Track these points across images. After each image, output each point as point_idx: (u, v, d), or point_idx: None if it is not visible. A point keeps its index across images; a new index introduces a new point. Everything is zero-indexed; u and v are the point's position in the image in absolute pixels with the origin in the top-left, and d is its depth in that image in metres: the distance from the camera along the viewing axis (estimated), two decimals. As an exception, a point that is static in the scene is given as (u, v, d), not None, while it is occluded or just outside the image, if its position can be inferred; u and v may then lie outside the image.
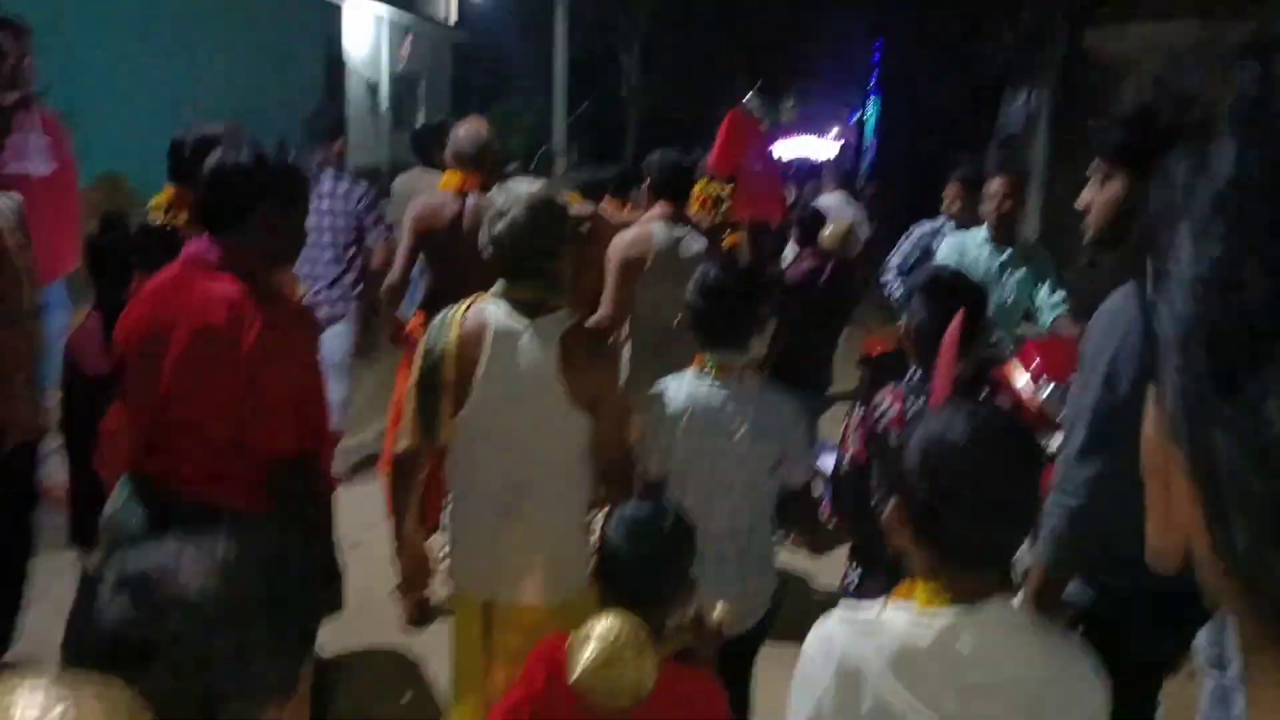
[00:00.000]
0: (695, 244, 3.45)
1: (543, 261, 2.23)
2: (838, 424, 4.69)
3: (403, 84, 18.03)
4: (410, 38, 17.62)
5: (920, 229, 4.88)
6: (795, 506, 2.40)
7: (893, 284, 4.79)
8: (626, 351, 3.57)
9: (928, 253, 4.64)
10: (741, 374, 2.31)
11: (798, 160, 47.04)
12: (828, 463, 2.91)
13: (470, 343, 2.18)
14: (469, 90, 19.34)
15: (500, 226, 2.20)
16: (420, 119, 19.01)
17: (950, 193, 4.77)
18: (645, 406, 2.34)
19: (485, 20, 19.84)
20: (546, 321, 2.19)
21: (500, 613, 2.25)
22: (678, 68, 23.09)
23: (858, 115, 36.70)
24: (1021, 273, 4.21)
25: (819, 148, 53.37)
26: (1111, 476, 1.76)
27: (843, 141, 55.39)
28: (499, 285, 2.24)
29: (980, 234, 4.26)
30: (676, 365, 2.40)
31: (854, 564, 2.38)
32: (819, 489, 2.67)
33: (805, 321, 4.45)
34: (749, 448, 2.24)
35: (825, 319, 4.71)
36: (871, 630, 1.25)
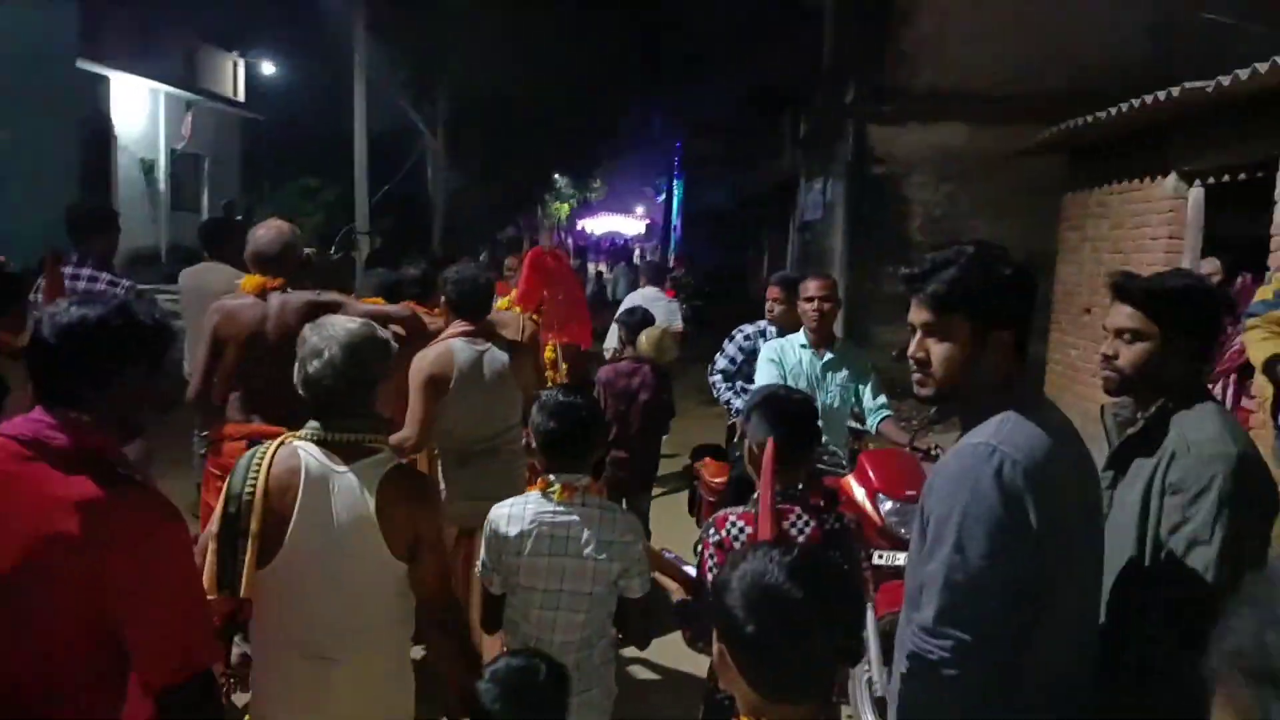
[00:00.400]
0: (498, 359, 3.53)
1: (361, 401, 2.15)
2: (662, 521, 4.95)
3: (184, 163, 16.76)
4: (190, 115, 16.44)
5: (742, 332, 4.86)
6: (633, 617, 2.47)
7: (720, 388, 4.80)
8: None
9: (752, 355, 4.63)
10: (584, 494, 2.38)
11: (609, 236, 47.93)
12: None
13: (281, 489, 2.06)
14: (260, 169, 18.28)
15: (315, 366, 2.10)
16: (205, 199, 17.75)
17: (771, 295, 4.76)
18: (485, 529, 2.40)
19: (277, 97, 18.90)
20: (365, 466, 2.10)
21: None
22: (485, 149, 22.92)
23: (663, 195, 38.01)
24: (843, 375, 4.26)
25: (626, 225, 54.96)
26: (970, 648, 1.64)
27: (649, 221, 57.20)
28: (312, 426, 2.13)
29: (799, 338, 4.27)
30: (485, 480, 2.56)
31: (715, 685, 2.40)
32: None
33: (627, 428, 4.63)
34: (594, 565, 2.33)
35: (647, 424, 4.77)
36: None
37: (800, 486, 2.39)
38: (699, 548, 2.50)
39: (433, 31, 18.55)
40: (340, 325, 2.15)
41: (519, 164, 26.31)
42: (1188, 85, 5.35)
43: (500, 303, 4.55)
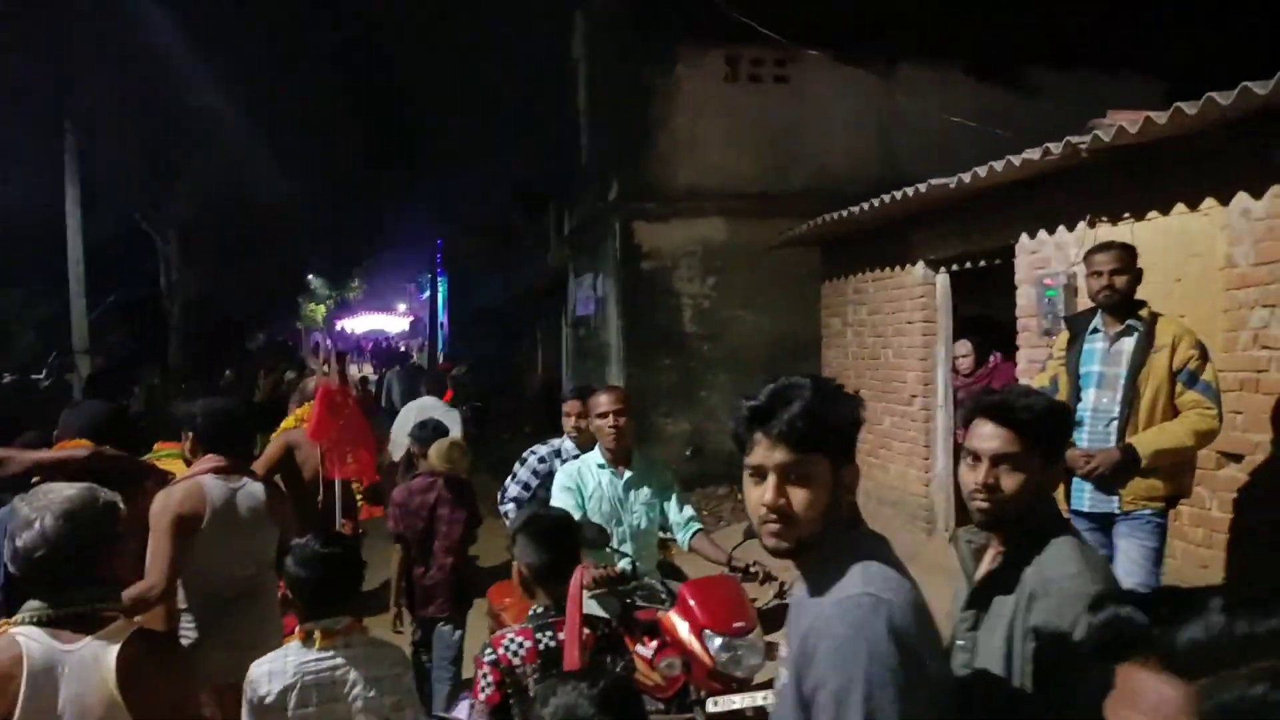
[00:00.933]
0: (254, 495, 3.30)
1: (87, 572, 1.95)
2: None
3: None
4: None
5: (535, 454, 4.52)
6: None
7: (513, 515, 4.28)
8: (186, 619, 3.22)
9: (548, 479, 4.26)
10: (347, 635, 2.41)
11: (371, 335, 45.98)
12: (463, 710, 2.81)
13: None
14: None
15: (28, 538, 1.92)
16: None
17: (569, 410, 4.49)
18: (245, 693, 2.37)
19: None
20: (98, 643, 1.89)
21: None
22: (227, 251, 21.31)
23: (426, 293, 37.15)
24: (646, 493, 3.99)
25: (389, 323, 53.16)
26: None
27: (413, 318, 55.73)
28: (31, 607, 1.91)
29: (594, 458, 3.97)
30: (244, 626, 2.72)
31: None
32: None
33: (429, 545, 4.51)
34: (363, 705, 2.37)
35: (450, 540, 4.56)
36: None
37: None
38: (475, 669, 2.40)
39: (164, 129, 17.17)
40: (53, 493, 1.98)
41: (267, 266, 24.77)
42: (933, 182, 5.70)
43: (289, 420, 4.40)
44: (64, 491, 1.98)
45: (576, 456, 4.38)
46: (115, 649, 1.87)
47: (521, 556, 2.45)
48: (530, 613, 2.42)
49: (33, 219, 16.56)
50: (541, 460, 4.48)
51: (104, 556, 1.98)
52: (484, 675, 2.31)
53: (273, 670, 2.32)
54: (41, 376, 12.91)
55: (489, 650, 2.34)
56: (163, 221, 18.75)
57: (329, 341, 42.44)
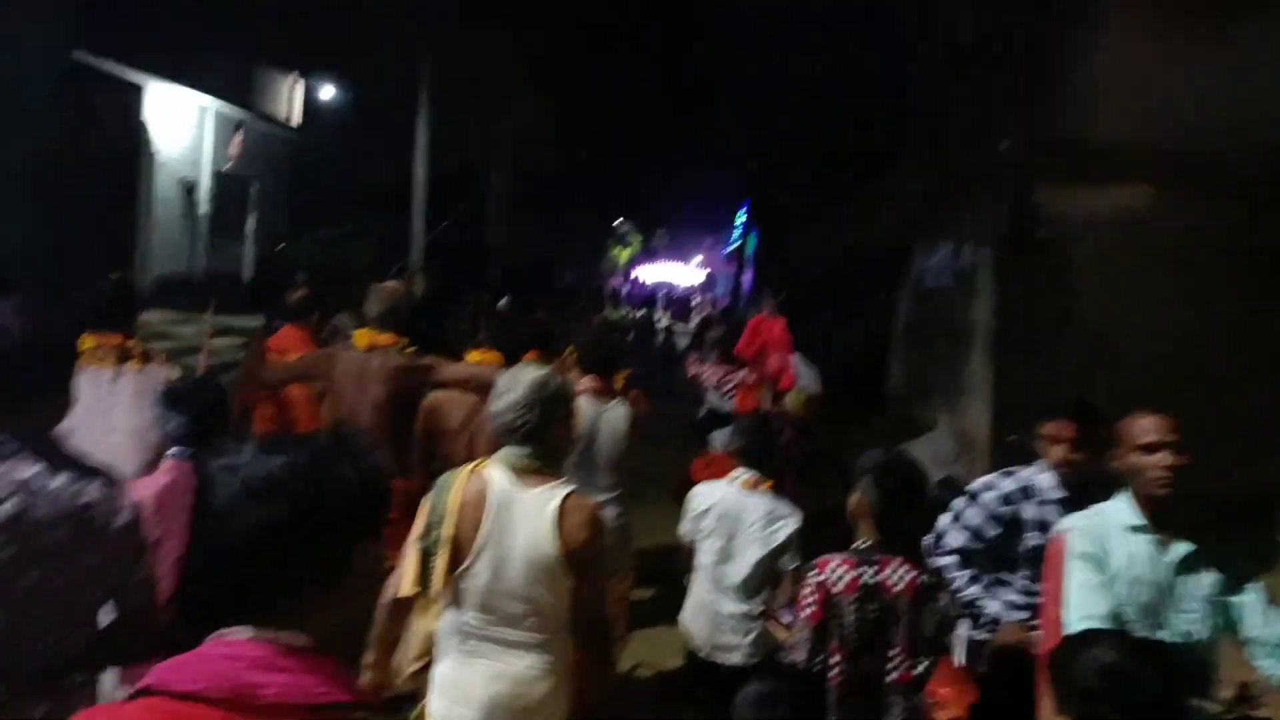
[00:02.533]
0: (619, 415, 3.86)
1: (542, 434, 2.46)
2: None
3: (228, 185, 15.44)
4: (241, 134, 15.15)
5: (993, 490, 3.20)
6: None
7: (957, 578, 3.16)
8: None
9: (1014, 527, 3.14)
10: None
11: (663, 285, 46.26)
12: (786, 616, 3.11)
13: (471, 505, 2.39)
14: (310, 198, 16.94)
15: (503, 403, 2.47)
16: (250, 226, 16.44)
17: (1055, 432, 3.20)
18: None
19: (334, 124, 17.62)
20: (544, 490, 2.41)
21: None
22: (546, 191, 21.56)
23: (733, 246, 36.32)
24: (1208, 581, 2.50)
25: (683, 274, 53.35)
26: None
27: (708, 270, 55.59)
28: (502, 452, 2.47)
29: (1122, 513, 2.55)
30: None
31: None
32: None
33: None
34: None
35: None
36: None
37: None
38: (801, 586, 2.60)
39: (503, 67, 17.33)
40: (528, 373, 2.54)
41: (584, 206, 24.97)
42: None
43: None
44: (532, 373, 2.52)
45: (1063, 501, 3.06)
46: (557, 500, 2.38)
47: (866, 491, 2.58)
48: (854, 545, 2.57)
49: (380, 146, 17.48)
50: (1006, 501, 3.11)
51: (558, 427, 2.50)
52: (809, 594, 2.50)
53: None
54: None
55: (815, 571, 2.53)
56: (495, 154, 19.17)
57: (626, 287, 43.18)
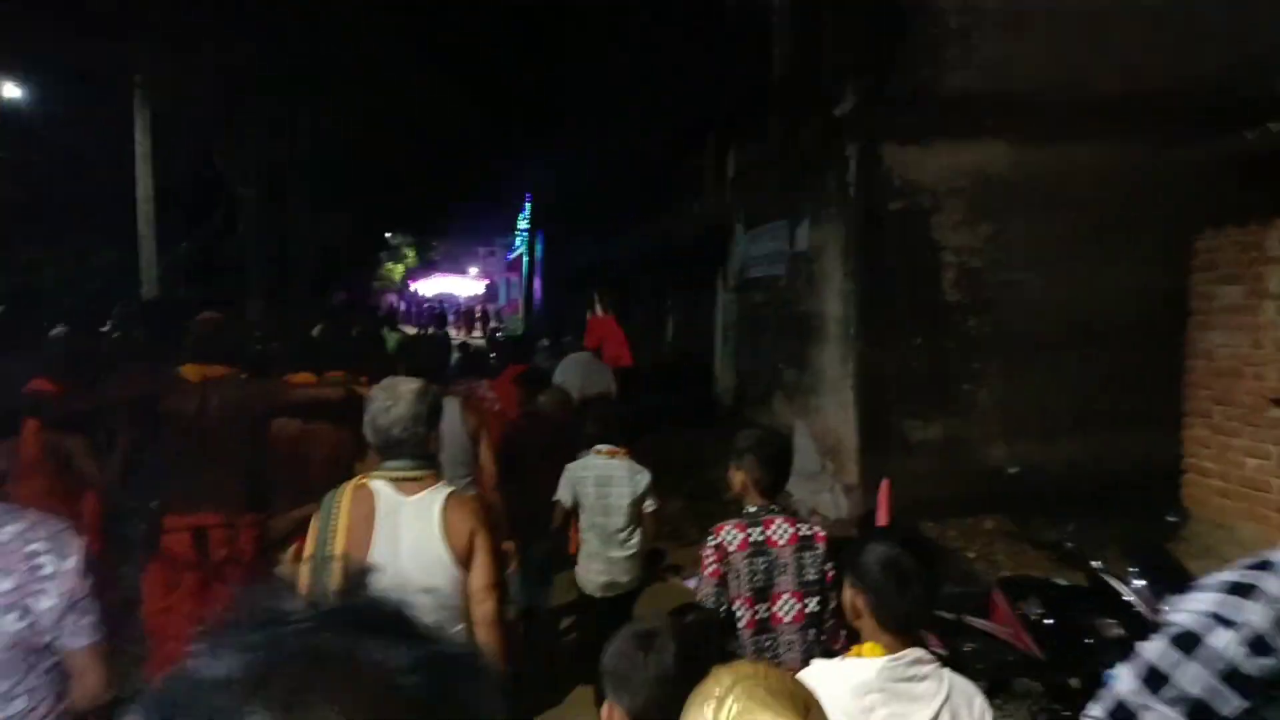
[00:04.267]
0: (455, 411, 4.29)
1: (425, 443, 2.64)
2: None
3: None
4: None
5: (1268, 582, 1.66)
6: None
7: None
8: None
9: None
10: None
11: (441, 297, 44.03)
12: (693, 582, 3.39)
13: (360, 519, 2.51)
14: (9, 226, 13.70)
15: (385, 418, 2.59)
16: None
17: None
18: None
19: (33, 133, 14.34)
20: (426, 494, 2.58)
21: None
22: (311, 201, 19.08)
23: (513, 254, 34.75)
24: None
25: (462, 286, 51.18)
26: None
27: (488, 281, 53.69)
28: (387, 464, 2.61)
29: None
30: None
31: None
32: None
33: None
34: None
35: None
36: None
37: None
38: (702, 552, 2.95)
39: (241, 64, 14.84)
40: (405, 385, 2.68)
41: (351, 219, 22.58)
42: None
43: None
44: (411, 385, 2.67)
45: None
46: (440, 500, 2.57)
47: (749, 470, 2.98)
48: (744, 511, 2.97)
49: (95, 158, 14.45)
50: (1261, 648, 1.71)
51: (431, 433, 2.67)
52: (710, 554, 2.88)
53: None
54: (108, 328, 10.84)
55: (712, 537, 2.90)
56: (240, 164, 16.50)
57: (402, 302, 40.55)
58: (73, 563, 1.99)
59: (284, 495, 3.63)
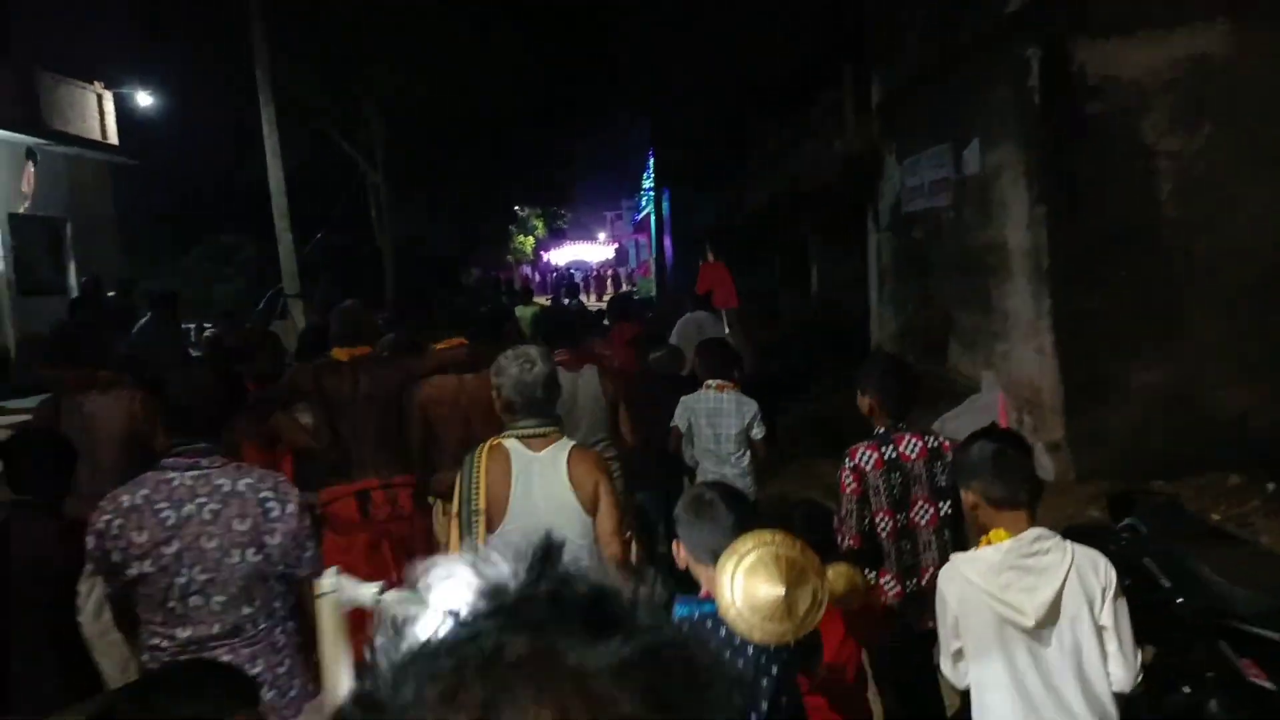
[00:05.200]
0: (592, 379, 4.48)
1: (548, 404, 2.88)
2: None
3: (30, 230, 12.44)
4: (31, 165, 12.16)
5: None
6: None
7: None
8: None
9: None
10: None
11: (576, 265, 44.22)
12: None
13: (497, 476, 2.77)
14: (147, 230, 14.06)
15: (513, 381, 2.85)
16: (72, 276, 13.46)
17: None
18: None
19: (158, 138, 14.66)
20: (552, 449, 2.81)
21: None
22: (434, 175, 18.93)
23: (640, 214, 34.15)
24: None
25: (592, 252, 51.35)
26: None
27: (617, 245, 53.62)
28: (516, 425, 2.85)
29: None
30: None
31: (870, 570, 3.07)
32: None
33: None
34: None
35: None
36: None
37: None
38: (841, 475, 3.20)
39: (354, 39, 14.66)
40: (534, 350, 2.95)
41: (475, 194, 22.45)
42: None
43: None
44: (532, 352, 2.89)
45: None
46: (565, 453, 2.82)
47: (874, 394, 3.21)
48: (874, 432, 3.19)
49: (222, 157, 14.60)
50: None
51: (552, 397, 2.90)
52: (848, 476, 3.12)
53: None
54: (258, 311, 10.98)
55: (849, 459, 3.14)
56: (367, 149, 16.45)
57: (537, 274, 40.72)
58: (293, 507, 2.45)
59: (446, 450, 3.90)
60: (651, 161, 27.67)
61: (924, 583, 3.10)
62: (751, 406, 4.69)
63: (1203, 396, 6.01)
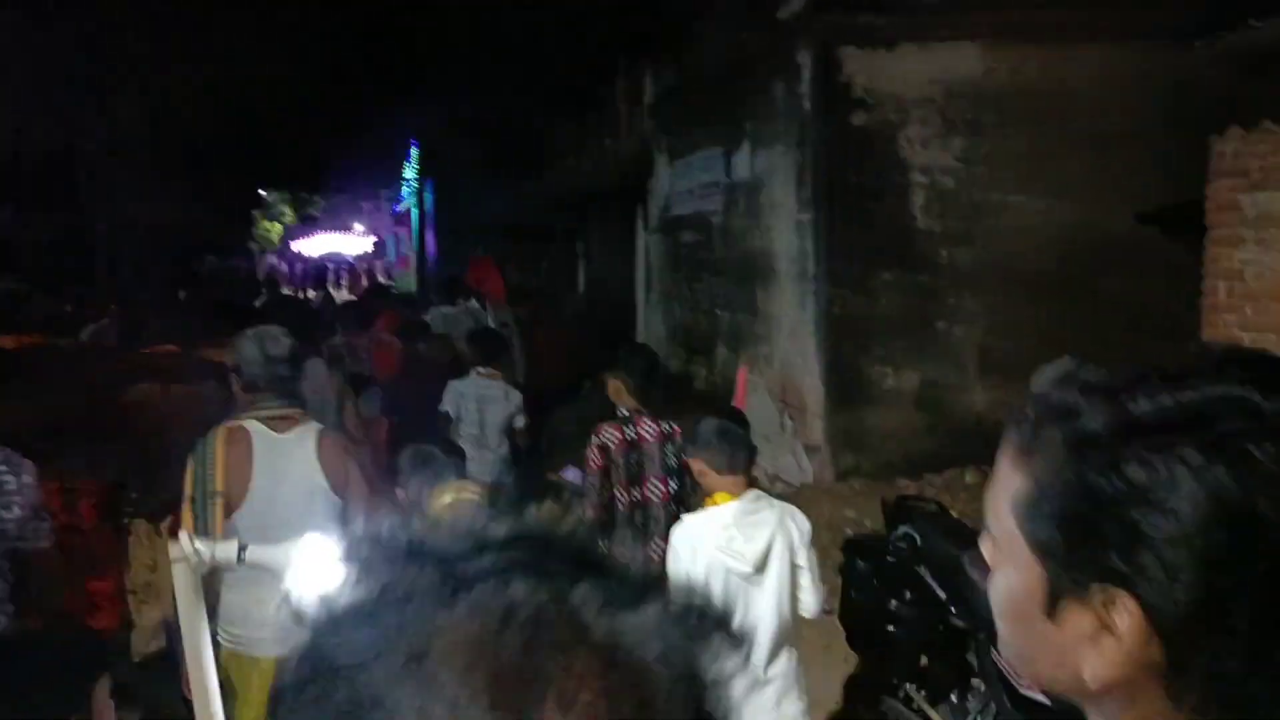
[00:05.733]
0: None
1: (293, 383, 2.93)
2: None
3: None
4: None
5: None
6: None
7: None
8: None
9: None
10: None
11: (330, 256, 41.66)
12: (572, 474, 4.51)
13: (236, 457, 2.71)
14: None
15: (255, 360, 2.82)
16: None
17: None
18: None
19: None
20: (299, 431, 2.79)
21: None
22: (168, 160, 16.93)
23: (404, 206, 32.69)
24: None
25: (349, 244, 48.74)
26: None
27: (376, 239, 51.28)
28: (257, 406, 2.81)
29: None
30: None
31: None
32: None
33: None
34: None
35: None
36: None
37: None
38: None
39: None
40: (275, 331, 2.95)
41: (218, 178, 20.38)
42: None
43: None
44: (274, 332, 2.87)
45: None
46: (314, 435, 2.82)
47: (622, 379, 3.57)
48: (618, 414, 3.55)
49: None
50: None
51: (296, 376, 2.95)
52: (594, 452, 3.44)
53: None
54: None
55: (594, 438, 3.45)
56: (88, 129, 14.37)
57: (283, 264, 37.98)
58: (29, 478, 2.48)
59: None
60: (414, 152, 26.51)
61: (652, 552, 3.40)
62: (517, 396, 5.00)
63: (949, 398, 6.33)
